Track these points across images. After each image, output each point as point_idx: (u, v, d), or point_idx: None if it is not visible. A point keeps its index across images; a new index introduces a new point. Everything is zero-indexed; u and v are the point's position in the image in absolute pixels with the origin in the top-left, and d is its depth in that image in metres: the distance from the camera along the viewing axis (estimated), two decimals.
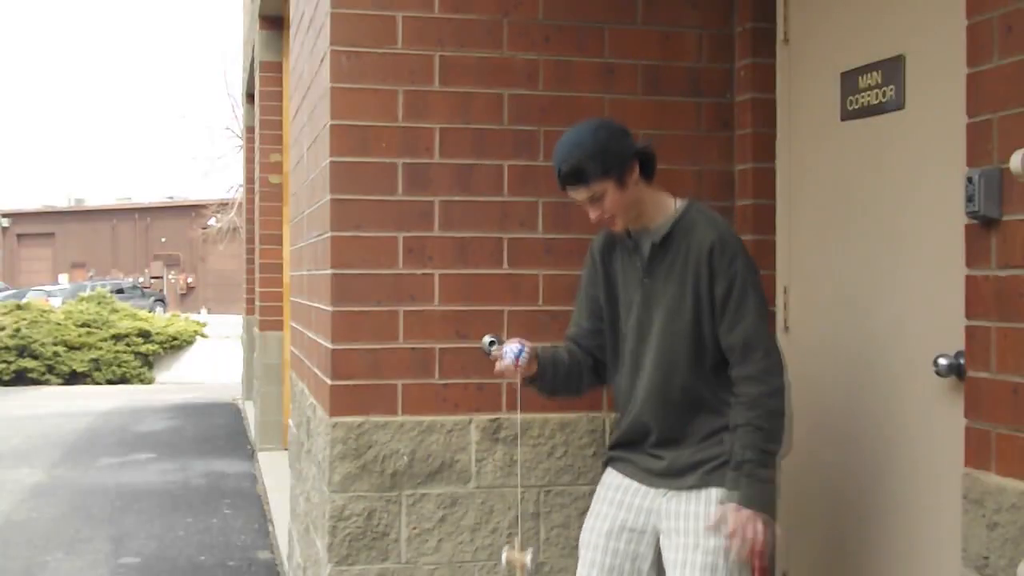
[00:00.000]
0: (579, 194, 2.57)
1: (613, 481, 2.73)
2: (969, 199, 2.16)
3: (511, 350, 2.58)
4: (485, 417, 3.25)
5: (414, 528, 3.20)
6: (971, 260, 2.22)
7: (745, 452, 2.47)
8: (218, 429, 10.36)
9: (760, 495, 2.46)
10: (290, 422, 4.95)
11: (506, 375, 2.63)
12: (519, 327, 3.25)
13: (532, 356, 2.62)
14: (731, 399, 2.55)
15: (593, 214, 2.59)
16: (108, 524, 6.31)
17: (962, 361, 2.42)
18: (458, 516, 3.23)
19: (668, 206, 2.63)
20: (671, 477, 2.60)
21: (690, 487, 2.56)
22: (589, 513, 2.75)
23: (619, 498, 2.68)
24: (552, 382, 2.72)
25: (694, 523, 2.53)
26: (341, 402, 3.18)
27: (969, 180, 2.16)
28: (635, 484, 2.67)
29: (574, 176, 2.54)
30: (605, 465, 2.80)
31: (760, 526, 2.45)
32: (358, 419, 3.18)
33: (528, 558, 2.64)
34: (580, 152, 2.52)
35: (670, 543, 2.57)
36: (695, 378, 2.58)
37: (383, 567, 3.18)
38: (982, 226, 2.17)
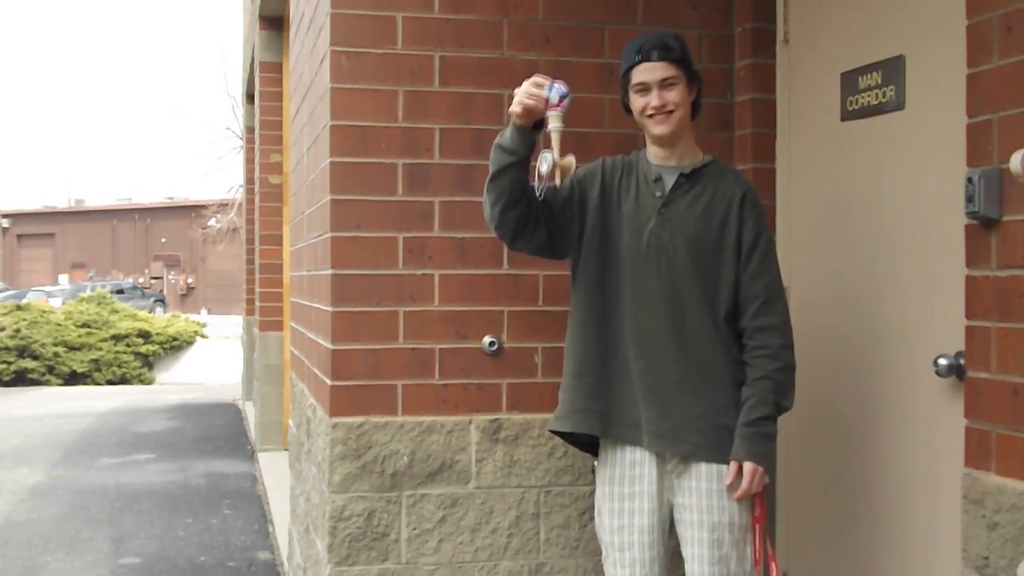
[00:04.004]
0: (655, 72, 2.60)
1: (618, 459, 2.69)
2: (969, 199, 2.16)
3: (558, 88, 2.57)
4: (485, 417, 3.25)
5: (414, 528, 3.20)
6: (971, 260, 2.22)
7: (762, 408, 2.56)
8: (218, 429, 10.35)
9: (768, 451, 2.59)
10: (290, 422, 4.95)
11: (533, 107, 2.55)
12: (519, 327, 3.25)
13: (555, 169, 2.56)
14: (747, 349, 2.60)
15: (657, 99, 2.61)
16: (108, 524, 6.31)
17: (962, 361, 2.42)
18: (458, 516, 3.22)
19: (697, 149, 2.73)
20: (677, 443, 2.60)
21: (699, 459, 2.59)
22: (607, 512, 2.70)
23: (629, 490, 2.67)
24: (520, 178, 2.63)
25: (699, 499, 2.60)
26: (341, 402, 3.18)
27: (969, 180, 2.16)
28: (638, 453, 2.65)
29: (663, 48, 2.61)
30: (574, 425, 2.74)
31: (763, 479, 2.57)
32: (358, 419, 3.18)
33: (572, 157, 2.59)
34: (671, 36, 2.65)
35: (681, 518, 2.65)
36: (705, 315, 2.61)
37: (383, 567, 3.18)
38: (982, 226, 2.17)
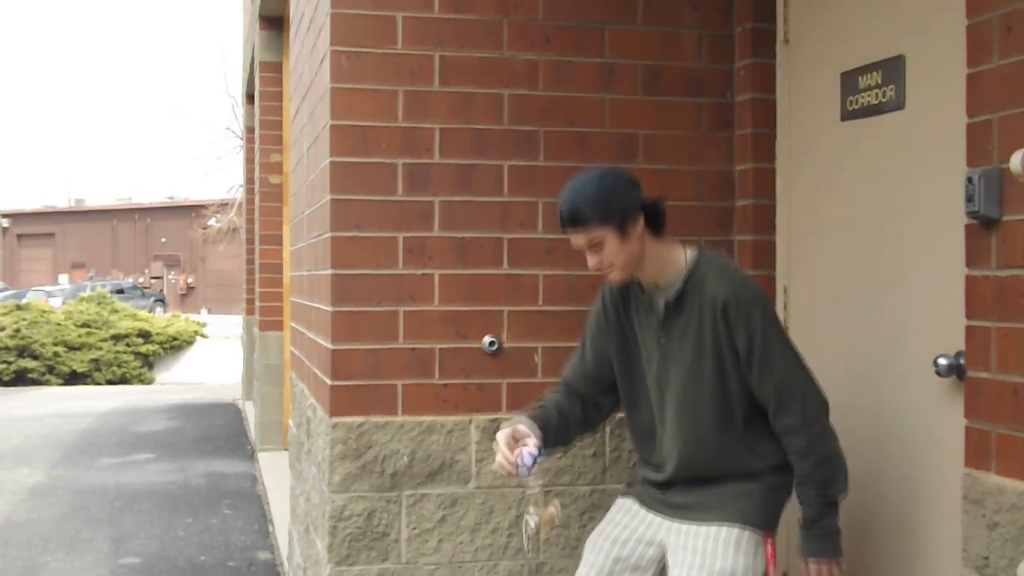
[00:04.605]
0: (578, 239, 2.51)
1: (627, 502, 2.73)
2: (969, 199, 2.16)
3: (526, 461, 2.47)
4: (485, 417, 3.25)
5: (414, 528, 3.20)
6: (971, 260, 2.22)
7: (808, 510, 2.53)
8: (218, 429, 10.35)
9: (829, 545, 2.54)
10: (290, 422, 4.95)
11: (510, 473, 2.52)
12: (519, 327, 3.25)
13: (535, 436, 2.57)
14: (784, 447, 2.55)
15: (591, 261, 2.53)
16: (108, 524, 6.31)
17: (962, 361, 2.42)
18: (458, 516, 3.22)
19: (678, 261, 2.56)
20: (692, 513, 2.59)
21: (710, 521, 2.55)
22: (605, 518, 2.73)
23: (635, 509, 2.68)
24: (553, 446, 2.68)
25: (702, 543, 2.52)
26: (341, 402, 3.18)
27: (969, 180, 2.16)
28: (651, 513, 2.67)
29: (572, 219, 2.48)
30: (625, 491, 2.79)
31: (836, 570, 2.54)
32: (358, 419, 3.18)
33: (554, 507, 2.57)
34: (581, 196, 2.47)
35: (675, 560, 2.55)
36: (722, 437, 2.55)
37: (383, 567, 3.18)
38: (982, 226, 2.17)
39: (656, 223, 2.55)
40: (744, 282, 2.55)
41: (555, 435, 2.65)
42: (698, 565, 2.49)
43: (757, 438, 2.57)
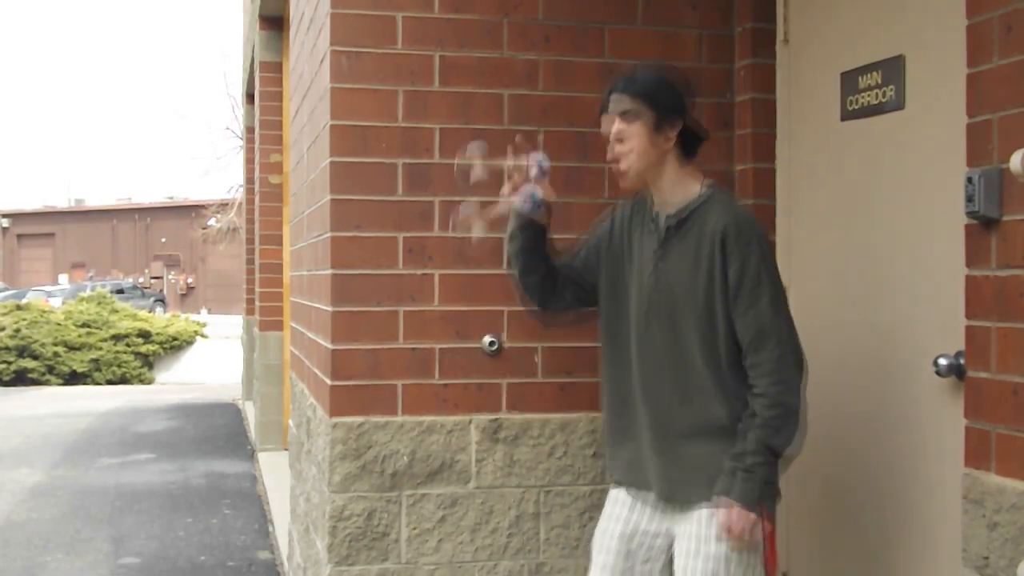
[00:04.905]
0: (617, 104, 2.50)
1: (620, 493, 2.68)
2: (969, 199, 2.16)
3: (528, 194, 2.56)
4: (485, 417, 3.25)
5: (414, 528, 3.20)
6: (971, 260, 2.22)
7: (746, 445, 2.40)
8: (218, 429, 10.35)
9: (748, 490, 2.39)
10: (290, 422, 4.95)
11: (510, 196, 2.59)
12: (519, 327, 3.25)
13: (543, 209, 2.61)
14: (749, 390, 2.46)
15: (611, 152, 2.53)
16: (108, 524, 6.31)
17: (962, 361, 2.42)
18: (458, 516, 3.22)
19: (693, 189, 2.54)
20: (675, 486, 2.54)
21: (700, 499, 2.49)
22: (602, 515, 2.71)
23: (631, 501, 2.64)
24: (529, 247, 2.66)
25: (697, 528, 2.49)
26: (341, 402, 3.18)
27: (969, 180, 2.16)
28: (650, 497, 2.62)
29: (623, 82, 2.51)
30: (613, 479, 2.74)
31: (748, 518, 2.39)
32: (358, 419, 3.18)
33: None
34: (642, 71, 2.53)
35: (680, 547, 2.54)
36: (704, 371, 2.49)
37: (383, 567, 3.18)
38: (982, 226, 2.17)
39: (690, 147, 2.55)
40: (748, 219, 2.52)
41: (538, 252, 2.67)
42: (693, 551, 2.48)
43: (740, 386, 2.47)
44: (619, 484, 2.70)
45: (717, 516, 2.42)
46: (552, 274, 2.70)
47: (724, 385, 2.48)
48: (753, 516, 2.39)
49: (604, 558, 2.63)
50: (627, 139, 2.51)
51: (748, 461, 2.39)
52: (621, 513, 2.65)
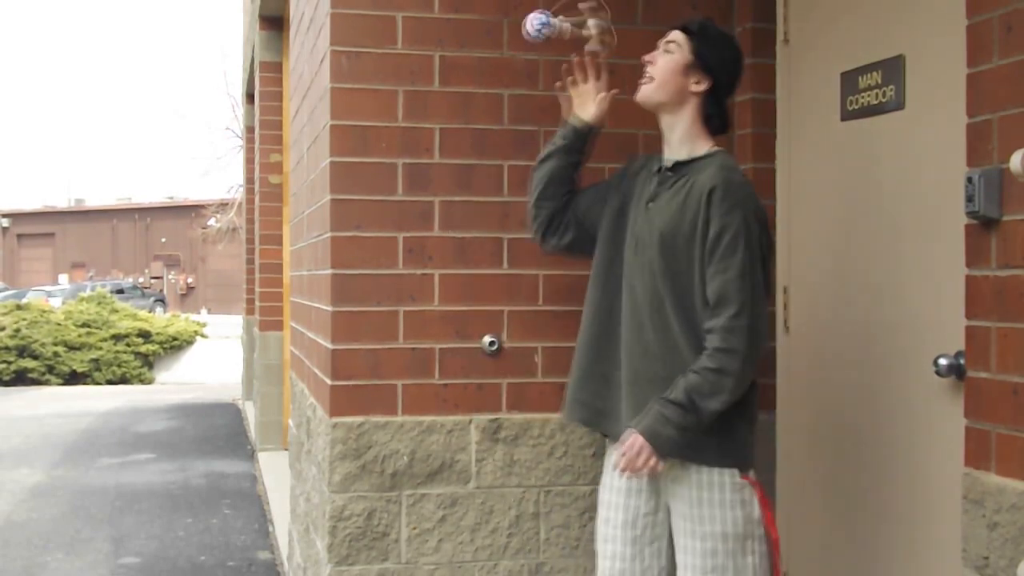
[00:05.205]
0: (663, 37, 2.64)
1: (613, 451, 2.67)
2: (969, 199, 2.16)
3: (538, 23, 2.71)
4: (485, 417, 3.25)
5: (414, 528, 3.20)
6: (971, 260, 2.22)
7: (675, 391, 2.43)
8: (218, 429, 10.35)
9: (660, 432, 2.42)
10: (290, 422, 4.95)
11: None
12: (519, 327, 3.25)
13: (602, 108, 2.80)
14: None
15: (646, 58, 2.64)
16: (108, 524, 6.31)
17: (962, 361, 2.42)
18: (458, 516, 3.23)
19: (700, 145, 2.63)
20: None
21: (681, 458, 2.51)
22: (600, 504, 2.72)
23: (626, 485, 2.65)
24: (559, 176, 2.80)
25: (691, 508, 2.53)
26: (341, 402, 3.18)
27: (969, 180, 2.16)
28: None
29: (687, 20, 2.65)
30: (575, 417, 2.79)
31: (650, 460, 2.43)
32: (358, 419, 3.18)
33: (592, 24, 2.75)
34: (709, 20, 2.67)
35: (676, 526, 2.59)
36: (681, 314, 2.50)
37: (383, 567, 3.18)
38: (982, 226, 2.17)
39: (715, 109, 2.63)
40: (741, 183, 2.55)
41: (564, 171, 2.81)
42: (689, 531, 2.53)
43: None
44: (584, 425, 2.78)
45: (621, 445, 2.48)
46: (563, 209, 2.80)
47: (698, 334, 2.49)
48: (648, 450, 2.42)
49: (612, 547, 2.66)
50: (658, 61, 2.63)
51: (667, 407, 2.43)
52: (618, 501, 2.67)
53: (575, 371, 2.78)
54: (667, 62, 2.61)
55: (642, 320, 2.58)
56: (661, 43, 2.66)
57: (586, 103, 2.80)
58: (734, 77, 2.67)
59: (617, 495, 2.67)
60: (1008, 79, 2.10)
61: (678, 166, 2.61)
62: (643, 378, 2.57)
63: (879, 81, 2.87)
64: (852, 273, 3.01)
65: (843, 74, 3.03)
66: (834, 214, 3.10)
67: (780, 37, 3.34)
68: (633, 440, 2.45)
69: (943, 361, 2.54)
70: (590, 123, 2.80)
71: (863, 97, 2.94)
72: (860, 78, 2.95)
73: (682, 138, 2.64)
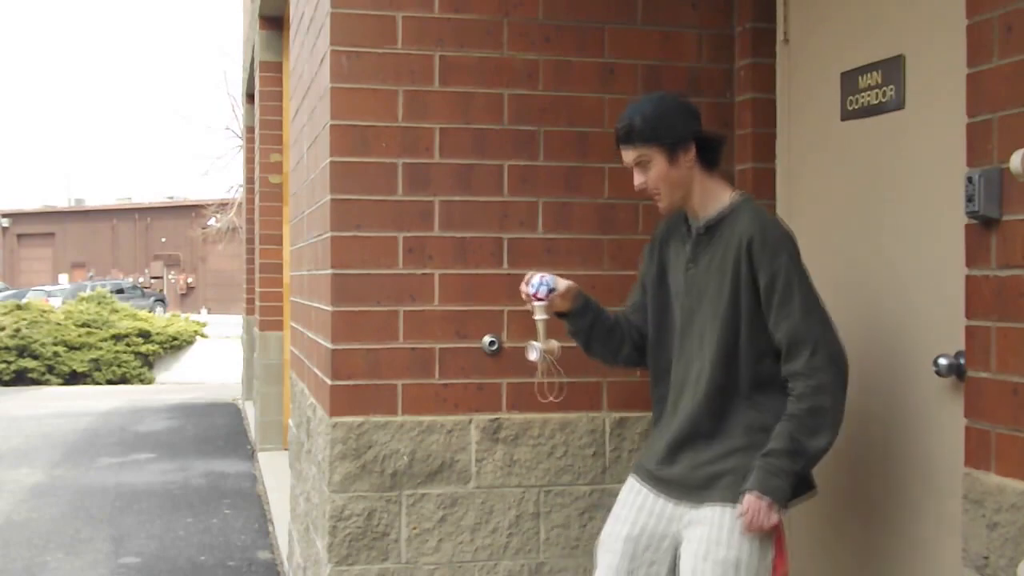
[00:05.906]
0: (627, 155, 2.59)
1: (634, 486, 2.70)
2: (969, 199, 2.16)
3: (542, 282, 2.63)
4: (485, 417, 3.25)
5: (414, 528, 3.20)
6: (971, 260, 2.22)
7: (777, 442, 2.46)
8: (218, 429, 10.35)
9: (778, 486, 2.44)
10: (290, 422, 4.95)
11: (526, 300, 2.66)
12: (519, 327, 3.25)
13: (567, 293, 2.66)
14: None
15: (636, 180, 2.61)
16: (108, 524, 6.31)
17: (962, 361, 2.42)
18: (458, 516, 3.23)
19: (722, 198, 2.62)
20: (688, 489, 2.57)
21: (711, 501, 2.52)
22: (610, 516, 2.72)
23: (639, 502, 2.66)
24: (589, 330, 2.75)
25: (707, 531, 2.50)
26: (341, 402, 3.18)
27: (969, 180, 2.16)
28: (653, 493, 2.65)
29: (625, 133, 2.57)
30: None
31: (771, 516, 2.44)
32: (358, 419, 3.18)
33: (555, 342, 2.67)
34: (637, 113, 2.56)
35: (686, 549, 2.55)
36: (729, 373, 2.54)
37: (383, 567, 3.18)
38: (982, 226, 2.17)
39: (711, 157, 2.62)
40: (775, 224, 2.58)
41: (609, 331, 2.76)
42: (702, 554, 2.49)
43: (762, 392, 2.54)
44: (635, 473, 2.73)
45: (739, 508, 2.46)
46: (613, 333, 2.79)
47: (746, 389, 2.54)
48: (767, 503, 2.43)
49: (610, 558, 2.65)
50: (651, 181, 2.59)
51: (778, 457, 2.45)
52: (629, 515, 2.66)
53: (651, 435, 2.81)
54: (656, 174, 2.58)
55: (689, 380, 2.61)
56: (630, 165, 2.60)
57: (554, 307, 2.71)
58: (697, 122, 2.62)
59: (629, 510, 2.67)
60: (1008, 79, 2.10)
61: (710, 227, 2.60)
62: (685, 437, 2.61)
63: (879, 81, 2.87)
64: (852, 273, 3.01)
65: (843, 74, 3.03)
66: (834, 214, 3.10)
67: (780, 37, 3.34)
68: (749, 502, 2.45)
69: (943, 361, 2.54)
70: (572, 309, 2.72)
71: (863, 97, 2.94)
72: (860, 78, 2.95)
73: (703, 200, 2.62)
